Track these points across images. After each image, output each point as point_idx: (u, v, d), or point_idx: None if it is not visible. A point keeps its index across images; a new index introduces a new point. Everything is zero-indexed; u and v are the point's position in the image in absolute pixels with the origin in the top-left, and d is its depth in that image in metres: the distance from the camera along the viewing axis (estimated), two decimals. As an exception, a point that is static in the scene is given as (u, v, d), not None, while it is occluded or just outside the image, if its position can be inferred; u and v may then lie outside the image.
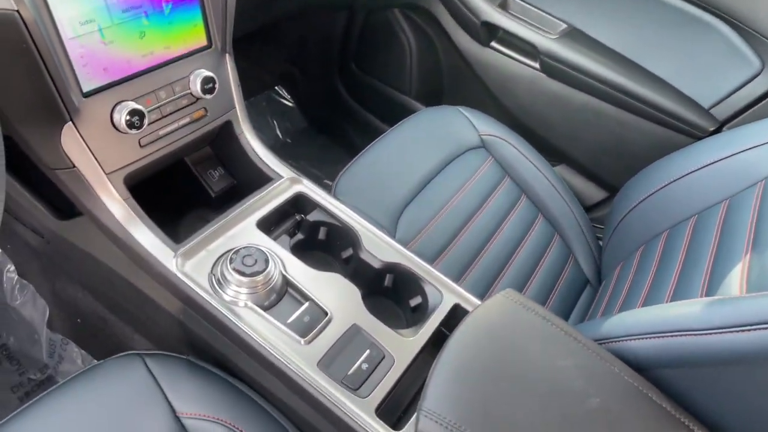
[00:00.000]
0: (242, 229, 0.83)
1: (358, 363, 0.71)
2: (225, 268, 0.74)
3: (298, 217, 0.92)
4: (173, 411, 0.72)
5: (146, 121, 0.77)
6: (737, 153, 0.98)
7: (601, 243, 1.27)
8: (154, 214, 0.81)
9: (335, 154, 1.89)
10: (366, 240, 0.86)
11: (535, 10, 1.46)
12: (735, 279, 0.78)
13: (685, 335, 0.61)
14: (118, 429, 0.67)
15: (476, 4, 1.45)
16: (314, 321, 0.74)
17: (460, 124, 1.28)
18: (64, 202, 0.83)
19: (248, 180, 0.95)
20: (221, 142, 0.97)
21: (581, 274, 1.22)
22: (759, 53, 1.34)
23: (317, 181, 0.94)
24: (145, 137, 0.80)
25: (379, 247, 0.86)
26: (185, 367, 0.77)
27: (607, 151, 1.42)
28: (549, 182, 1.26)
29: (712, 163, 1.01)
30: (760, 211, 0.86)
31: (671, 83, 1.31)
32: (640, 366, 0.66)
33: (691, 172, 1.05)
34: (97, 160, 0.76)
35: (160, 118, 0.81)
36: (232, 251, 0.76)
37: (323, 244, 0.90)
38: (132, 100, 0.76)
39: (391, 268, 0.85)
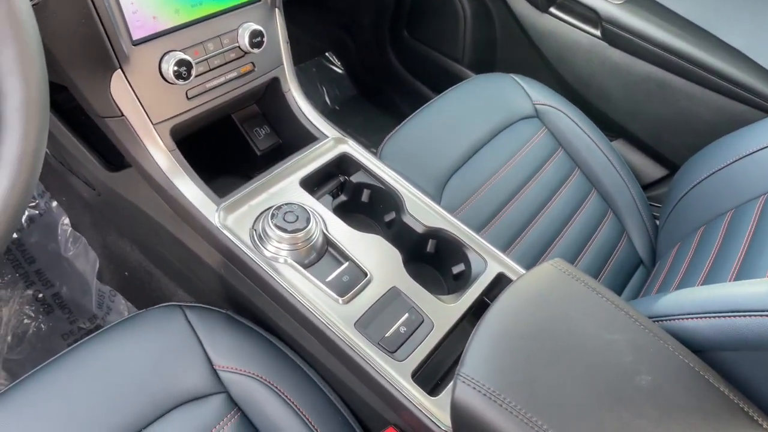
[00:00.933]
0: (285, 186, 0.82)
1: (396, 326, 0.70)
2: (266, 223, 0.74)
3: (341, 178, 0.90)
4: (210, 363, 0.72)
5: (193, 72, 0.76)
6: (817, 128, 0.90)
7: (657, 222, 1.21)
8: (199, 169, 0.81)
9: (383, 122, 1.86)
10: (410, 204, 0.84)
11: (599, -27, 1.38)
12: (810, 261, 0.72)
13: (750, 316, 0.56)
14: (155, 375, 0.69)
15: (536, -31, 1.38)
16: (353, 281, 0.73)
17: (513, 92, 1.22)
18: (114, 153, 0.85)
19: (293, 139, 0.94)
20: (268, 100, 0.96)
21: (634, 254, 1.16)
22: None
23: (364, 148, 0.91)
24: (192, 89, 0.80)
25: (423, 211, 0.83)
26: (224, 321, 0.78)
27: (670, 125, 1.33)
28: (605, 156, 1.19)
29: (788, 138, 0.93)
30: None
31: (745, 54, 1.21)
32: (696, 347, 0.61)
33: (762, 149, 0.97)
34: (145, 109, 0.76)
35: (207, 71, 0.81)
36: (274, 207, 0.75)
37: (366, 206, 0.89)
38: (180, 51, 0.76)
39: (435, 234, 0.82)
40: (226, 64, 0.83)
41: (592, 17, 1.34)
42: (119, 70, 0.72)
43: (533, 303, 0.60)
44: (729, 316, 0.59)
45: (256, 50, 0.84)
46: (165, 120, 0.78)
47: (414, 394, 0.65)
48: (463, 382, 0.55)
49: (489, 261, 0.79)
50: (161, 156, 0.79)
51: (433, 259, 0.85)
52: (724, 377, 0.60)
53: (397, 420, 0.67)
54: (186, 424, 0.66)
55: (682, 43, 1.23)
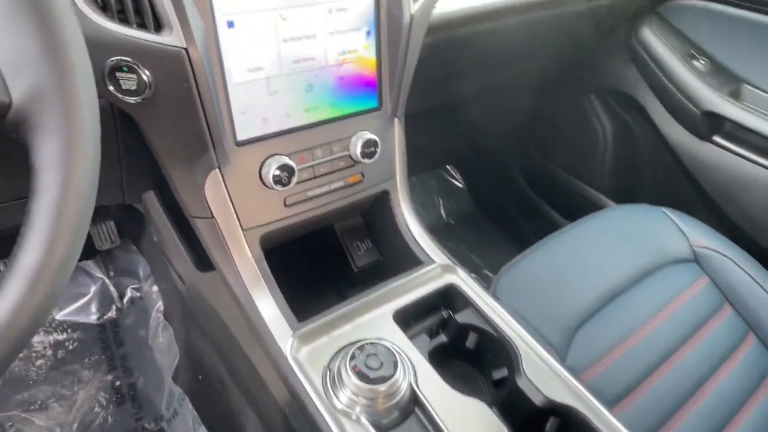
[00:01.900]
0: (376, 318, 0.69)
1: None
2: (344, 365, 0.60)
3: (444, 314, 0.75)
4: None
5: (294, 179, 0.69)
6: None
7: None
8: (286, 280, 0.72)
9: (501, 243, 1.71)
10: (527, 361, 0.66)
11: (779, 101, 1.17)
12: None
13: None
14: None
15: (699, 92, 1.21)
16: (441, 464, 0.55)
17: (664, 229, 1.02)
18: (205, 252, 0.79)
19: (396, 259, 0.82)
20: (374, 213, 0.86)
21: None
22: None
23: (476, 270, 0.78)
24: (291, 196, 0.72)
25: (544, 375, 0.65)
26: None
27: None
28: (791, 323, 0.92)
29: None
30: None
31: None
32: None
33: None
34: (237, 213, 0.69)
35: (311, 178, 0.73)
36: (356, 345, 0.61)
37: (471, 354, 0.72)
38: (285, 155, 0.69)
39: (558, 411, 0.63)
40: (333, 172, 0.75)
41: (770, 150, 1.13)
42: (217, 169, 0.67)
43: None
44: None
45: (367, 160, 0.75)
46: (257, 226, 0.71)
47: None
48: None
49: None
50: (245, 265, 0.70)
51: (552, 442, 0.65)
52: None
53: None
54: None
55: None
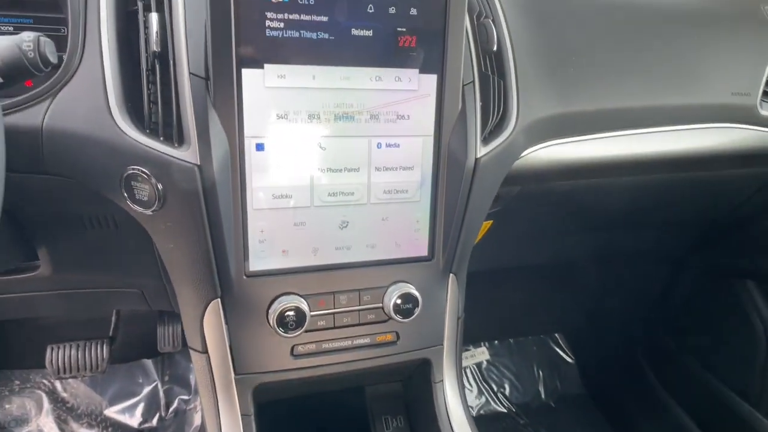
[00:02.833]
0: None
1: None
2: None
3: None
4: None
5: (303, 327, 0.58)
6: None
7: None
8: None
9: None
10: None
11: None
12: None
13: None
14: None
15: None
16: None
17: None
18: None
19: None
20: (414, 384, 0.71)
21: None
22: None
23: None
24: (302, 345, 0.61)
25: None
26: None
27: None
28: None
29: None
30: None
31: None
32: None
33: None
34: (232, 354, 0.59)
35: (330, 328, 0.62)
36: None
37: None
38: (300, 296, 0.60)
39: None
40: (359, 325, 0.63)
41: None
42: (219, 300, 0.59)
43: None
44: None
45: (402, 319, 0.62)
46: (252, 373, 0.60)
47: None
48: None
49: None
50: (230, 420, 0.59)
51: None
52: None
53: None
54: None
55: None
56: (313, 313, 0.59)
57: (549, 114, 0.72)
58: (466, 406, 0.67)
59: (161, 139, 0.54)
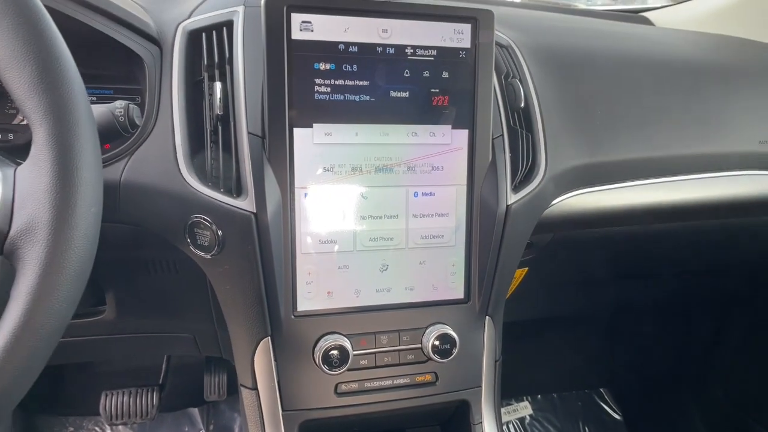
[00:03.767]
0: None
1: None
2: None
3: None
4: None
5: (347, 365, 0.62)
6: None
7: None
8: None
9: None
10: None
11: None
12: None
13: None
14: None
15: None
16: None
17: None
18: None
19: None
20: (449, 426, 0.72)
21: None
22: None
23: None
24: (345, 383, 0.64)
25: None
26: None
27: None
28: None
29: None
30: None
31: None
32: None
33: None
34: (280, 390, 0.63)
35: (371, 367, 0.65)
36: None
37: None
38: (344, 335, 0.64)
39: None
40: (399, 365, 0.66)
41: None
42: (269, 338, 0.63)
43: None
44: None
45: (441, 359, 0.65)
46: (299, 410, 0.63)
47: None
48: None
49: None
50: (276, 454, 0.62)
51: None
52: None
53: None
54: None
55: None
56: (355, 352, 0.63)
57: (577, 164, 0.76)
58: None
59: (222, 190, 0.61)
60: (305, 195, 0.62)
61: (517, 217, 0.67)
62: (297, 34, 0.59)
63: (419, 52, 0.63)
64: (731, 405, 1.31)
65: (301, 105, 0.60)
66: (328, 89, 0.61)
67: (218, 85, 0.63)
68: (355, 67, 0.61)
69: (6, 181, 0.39)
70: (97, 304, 0.79)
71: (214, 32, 0.66)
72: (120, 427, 1.31)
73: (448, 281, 0.68)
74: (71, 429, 1.32)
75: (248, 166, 0.59)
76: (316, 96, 0.60)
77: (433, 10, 0.63)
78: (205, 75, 0.65)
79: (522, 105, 0.72)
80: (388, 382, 0.66)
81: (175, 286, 0.79)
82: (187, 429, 1.28)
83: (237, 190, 0.61)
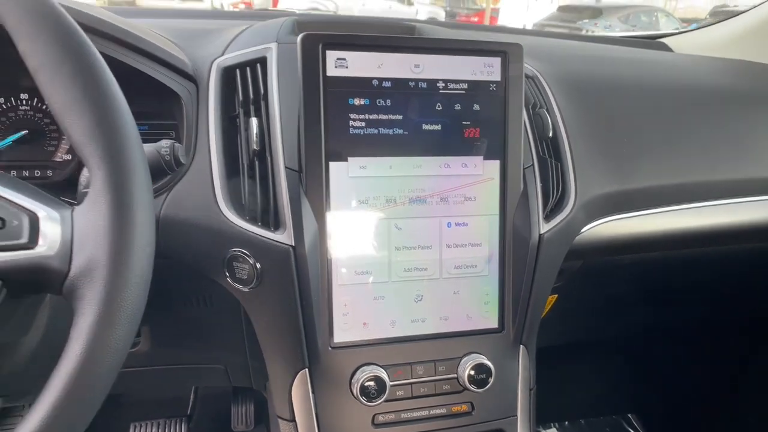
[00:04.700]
0: None
1: None
2: None
3: None
4: None
5: (384, 395, 0.62)
6: None
7: None
8: None
9: None
10: None
11: None
12: None
13: None
14: None
15: None
16: None
17: None
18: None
19: None
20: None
21: None
22: None
23: None
24: (382, 414, 0.64)
25: None
26: None
27: None
28: None
29: None
30: None
31: None
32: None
33: None
34: (318, 422, 0.63)
35: (408, 398, 0.65)
36: None
37: None
38: (380, 366, 0.64)
39: None
40: (435, 395, 0.66)
41: None
42: (306, 370, 0.63)
43: None
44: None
45: (477, 389, 0.65)
46: (338, 441, 0.63)
47: None
48: None
49: None
50: (315, 488, 0.62)
51: None
52: None
53: None
54: None
55: None
56: (392, 383, 0.63)
57: (606, 191, 0.76)
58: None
59: (259, 224, 0.62)
60: (341, 227, 0.63)
61: (550, 245, 0.68)
62: (332, 71, 0.61)
63: (451, 85, 0.64)
64: (764, 428, 1.28)
65: (336, 139, 0.61)
66: (363, 124, 0.62)
67: (254, 120, 0.65)
68: (388, 101, 0.63)
69: (65, 222, 0.40)
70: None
71: (248, 69, 0.69)
72: (147, 458, 1.30)
73: (482, 310, 0.68)
74: (98, 460, 1.32)
75: (286, 199, 0.61)
76: (351, 131, 0.62)
77: (464, 45, 0.65)
78: (241, 111, 0.67)
79: (550, 134, 0.73)
80: (424, 413, 0.66)
81: (209, 318, 0.80)
82: (213, 460, 1.27)
83: (275, 224, 0.62)
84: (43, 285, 0.39)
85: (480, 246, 0.67)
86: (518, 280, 0.67)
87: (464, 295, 0.67)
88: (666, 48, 1.22)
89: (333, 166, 0.62)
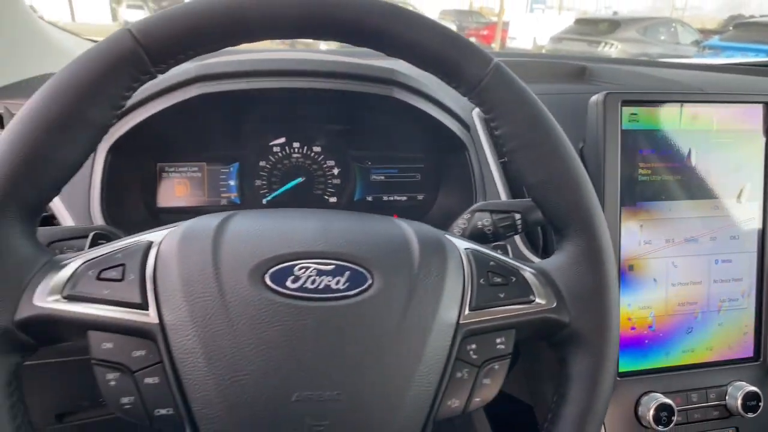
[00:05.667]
0: None
1: None
2: None
3: None
4: None
5: (674, 419, 0.67)
6: None
7: None
8: None
9: None
10: None
11: None
12: None
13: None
14: None
15: None
16: None
17: None
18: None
19: None
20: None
21: None
22: None
23: None
24: (668, 439, 0.69)
25: None
26: None
27: None
28: None
29: None
30: None
31: None
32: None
33: None
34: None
35: (684, 423, 0.70)
36: None
37: None
38: (661, 394, 0.69)
39: None
40: (705, 421, 0.71)
41: None
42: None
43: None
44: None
45: (750, 414, 0.70)
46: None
47: None
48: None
49: None
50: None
51: None
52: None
53: None
54: None
55: None
56: (677, 409, 0.68)
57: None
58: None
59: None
60: (629, 266, 0.68)
61: (804, 279, 0.73)
62: (626, 125, 0.67)
63: (721, 135, 0.70)
64: None
65: (628, 186, 0.67)
66: (649, 171, 0.68)
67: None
68: (670, 151, 0.69)
69: (547, 278, 0.45)
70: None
71: None
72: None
73: (741, 341, 0.73)
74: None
75: None
76: (640, 178, 0.68)
77: (725, 97, 0.71)
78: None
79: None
80: (704, 437, 0.71)
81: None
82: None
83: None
84: (546, 334, 0.45)
85: (741, 281, 0.73)
86: (776, 314, 0.73)
87: (727, 327, 0.73)
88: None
89: (624, 210, 0.67)
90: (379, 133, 0.81)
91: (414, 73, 0.73)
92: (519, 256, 0.68)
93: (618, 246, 0.67)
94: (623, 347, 0.69)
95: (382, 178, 0.83)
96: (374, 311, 0.39)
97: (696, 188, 0.70)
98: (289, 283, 0.38)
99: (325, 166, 0.81)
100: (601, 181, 0.66)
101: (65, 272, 0.39)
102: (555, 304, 0.44)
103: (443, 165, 0.81)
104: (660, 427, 0.66)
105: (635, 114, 0.67)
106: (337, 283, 0.39)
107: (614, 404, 0.69)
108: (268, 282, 0.38)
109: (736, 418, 0.71)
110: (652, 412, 0.67)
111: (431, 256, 0.42)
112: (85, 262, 0.40)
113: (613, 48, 8.70)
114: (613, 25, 9.43)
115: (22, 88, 0.80)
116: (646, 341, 0.70)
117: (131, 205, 0.74)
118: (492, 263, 0.44)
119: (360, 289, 0.39)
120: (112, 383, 0.38)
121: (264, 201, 0.80)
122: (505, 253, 0.48)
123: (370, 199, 0.83)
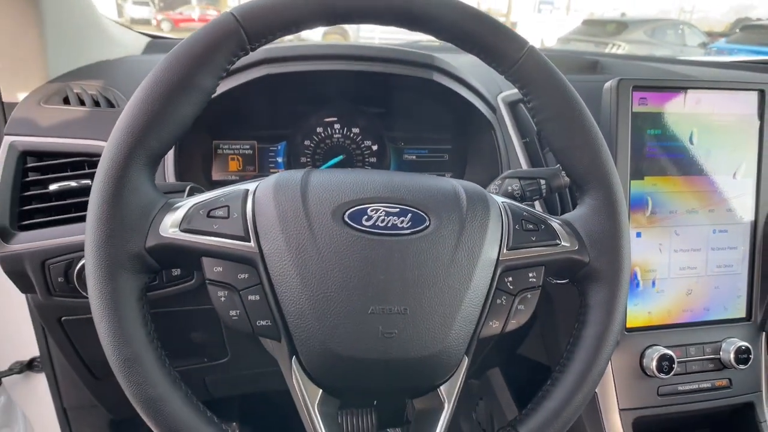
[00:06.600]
0: None
1: None
2: None
3: None
4: None
5: (675, 367, 0.76)
6: None
7: None
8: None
9: None
10: None
11: None
12: None
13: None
14: None
15: None
16: None
17: None
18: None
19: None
20: (732, 428, 0.85)
21: None
22: None
23: None
24: (665, 386, 0.78)
25: None
26: None
27: None
28: None
29: None
30: None
31: None
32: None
33: None
34: (617, 393, 0.77)
35: (683, 373, 0.79)
36: None
37: None
38: (663, 347, 0.78)
39: None
40: (702, 372, 0.80)
41: None
42: (607, 349, 0.78)
43: None
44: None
45: (740, 366, 0.79)
46: (631, 408, 0.77)
47: None
48: None
49: None
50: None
51: None
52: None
53: None
54: None
55: None
56: (677, 360, 0.77)
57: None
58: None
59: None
60: (636, 233, 0.77)
61: (793, 249, 0.82)
62: (636, 108, 0.76)
63: (722, 117, 0.79)
64: None
65: (636, 162, 0.76)
66: (655, 149, 0.77)
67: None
68: (674, 131, 0.78)
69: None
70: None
71: (521, 104, 0.85)
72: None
73: (735, 303, 0.82)
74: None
75: None
76: (647, 155, 0.77)
77: (721, 85, 0.80)
78: (534, 137, 0.82)
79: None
80: (694, 386, 0.80)
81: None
82: None
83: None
84: (569, 272, 0.54)
85: (736, 249, 0.82)
86: (765, 278, 0.82)
87: (722, 290, 0.82)
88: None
89: (633, 183, 0.76)
90: (413, 116, 0.90)
91: (449, 59, 0.82)
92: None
93: (627, 214, 0.76)
94: (631, 305, 0.78)
95: (414, 157, 0.92)
96: (431, 246, 0.48)
97: (697, 165, 0.79)
98: (363, 221, 0.48)
99: (363, 145, 0.90)
100: (613, 158, 0.75)
101: (180, 212, 0.48)
102: (577, 247, 0.53)
103: (469, 146, 0.90)
104: (662, 375, 0.76)
105: (644, 98, 0.76)
106: (402, 222, 0.48)
107: (622, 355, 0.78)
108: (347, 220, 0.48)
109: (729, 370, 0.80)
110: (655, 361, 0.76)
111: (476, 205, 0.51)
112: (194, 204, 0.49)
113: (620, 49, 8.75)
114: (620, 27, 9.47)
115: (86, 72, 0.89)
116: (652, 301, 0.79)
117: (194, 176, 0.84)
118: (525, 213, 0.54)
119: (420, 227, 0.49)
120: (223, 299, 0.47)
121: (309, 176, 0.89)
122: None
123: (403, 176, 0.92)
